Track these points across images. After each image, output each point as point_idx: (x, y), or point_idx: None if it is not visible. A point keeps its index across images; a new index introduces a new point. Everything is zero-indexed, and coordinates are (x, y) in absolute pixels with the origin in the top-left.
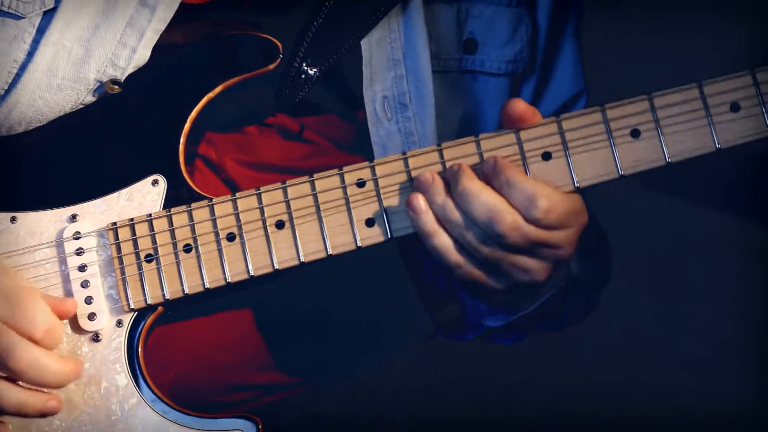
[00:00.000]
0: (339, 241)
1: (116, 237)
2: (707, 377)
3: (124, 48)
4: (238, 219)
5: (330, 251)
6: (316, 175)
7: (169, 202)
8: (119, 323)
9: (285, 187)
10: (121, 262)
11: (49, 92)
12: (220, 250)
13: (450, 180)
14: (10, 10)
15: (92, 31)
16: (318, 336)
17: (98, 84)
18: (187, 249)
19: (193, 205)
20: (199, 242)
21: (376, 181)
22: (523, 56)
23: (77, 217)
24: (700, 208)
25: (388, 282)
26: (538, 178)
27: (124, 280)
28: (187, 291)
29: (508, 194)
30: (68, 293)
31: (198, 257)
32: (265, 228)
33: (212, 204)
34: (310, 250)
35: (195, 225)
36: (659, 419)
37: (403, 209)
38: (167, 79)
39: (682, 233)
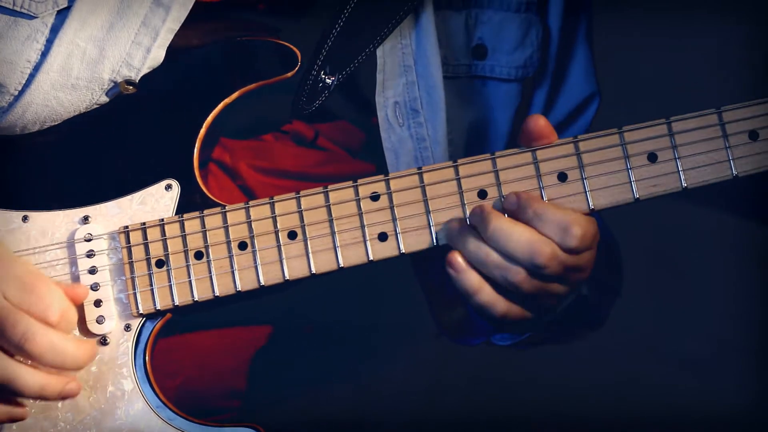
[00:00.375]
0: (351, 254)
1: (128, 241)
2: (707, 377)
3: (138, 48)
4: (250, 228)
5: (342, 264)
6: (330, 187)
7: (182, 207)
8: (127, 328)
9: (299, 197)
10: (131, 266)
11: (64, 92)
12: (231, 259)
13: (476, 224)
14: (23, 10)
15: (106, 30)
16: (321, 338)
17: (113, 84)
18: (199, 256)
19: (206, 211)
20: (210, 250)
21: (390, 195)
22: (533, 61)
23: (89, 219)
24: (700, 207)
25: (390, 285)
26: (559, 204)
27: (134, 285)
28: (197, 298)
29: (540, 226)
30: None
31: (209, 265)
32: (277, 238)
33: (225, 211)
34: (322, 262)
35: (207, 232)
36: (659, 419)
37: (416, 224)
38: (184, 83)
39: (683, 233)
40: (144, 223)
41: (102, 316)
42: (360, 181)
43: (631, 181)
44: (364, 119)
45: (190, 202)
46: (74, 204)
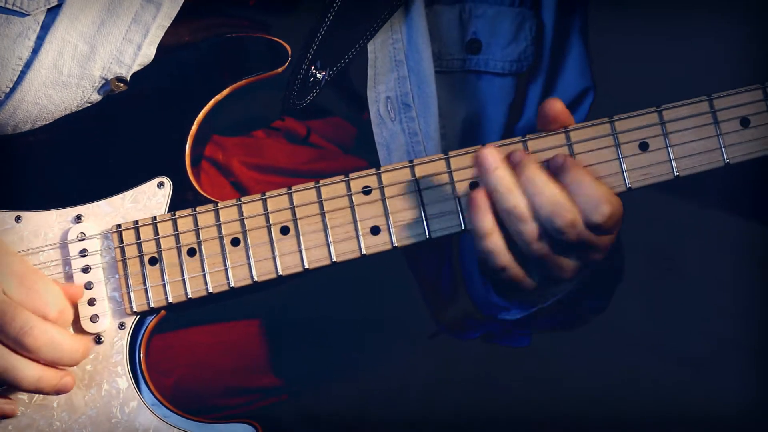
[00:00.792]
0: (344, 249)
1: (120, 239)
2: (707, 376)
3: (129, 45)
4: (243, 224)
5: (334, 258)
6: (322, 182)
7: (175, 204)
8: (122, 326)
9: (290, 192)
10: (124, 264)
11: (55, 90)
12: (224, 255)
13: (513, 165)
14: (15, 8)
15: (97, 27)
16: (319, 336)
17: (104, 81)
18: (191, 253)
19: (199, 208)
20: (203, 246)
21: (382, 189)
22: (527, 56)
23: (82, 218)
24: (700, 207)
25: (388, 282)
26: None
27: (127, 283)
28: (190, 295)
29: (574, 192)
30: None
31: (202, 261)
32: (269, 234)
33: (217, 208)
34: (315, 257)
35: (200, 229)
36: (659, 418)
37: (408, 217)
38: (174, 80)
39: (683, 232)
40: (137, 221)
41: (96, 315)
42: (352, 175)
43: (622, 170)
44: (355, 115)
45: (183, 199)
46: (67, 203)
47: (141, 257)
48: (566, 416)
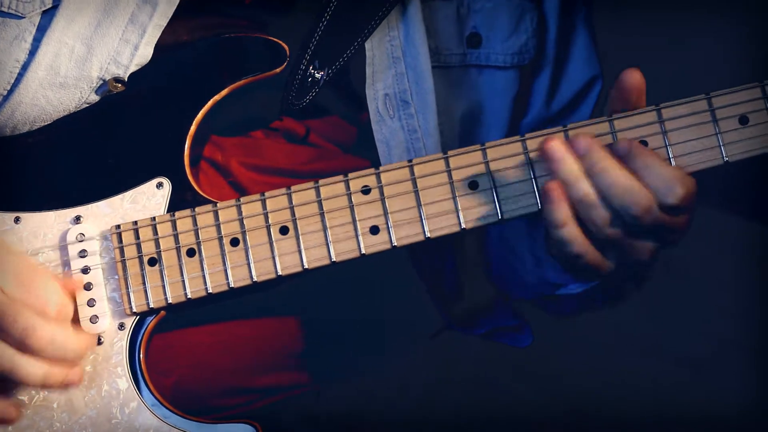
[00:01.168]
0: (343, 248)
1: (120, 240)
2: (707, 376)
3: (126, 45)
4: (242, 224)
5: (334, 258)
6: (321, 182)
7: (174, 205)
8: (121, 326)
9: (290, 193)
10: (124, 265)
11: (52, 91)
12: (223, 255)
13: (579, 152)
14: (10, 11)
15: (94, 28)
16: (320, 336)
17: (101, 82)
18: (191, 253)
19: (198, 209)
20: (202, 247)
21: (381, 188)
22: (528, 48)
23: (81, 219)
24: (700, 207)
25: (388, 282)
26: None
27: (126, 284)
28: (189, 295)
29: (646, 177)
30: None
31: (201, 262)
32: (269, 234)
33: (216, 209)
34: (314, 256)
35: (199, 229)
36: (659, 418)
37: (407, 217)
38: (173, 81)
39: None
40: (136, 222)
41: (96, 316)
42: (351, 175)
43: None
44: (354, 113)
45: (182, 199)
46: (66, 204)
47: (140, 258)
48: (566, 416)
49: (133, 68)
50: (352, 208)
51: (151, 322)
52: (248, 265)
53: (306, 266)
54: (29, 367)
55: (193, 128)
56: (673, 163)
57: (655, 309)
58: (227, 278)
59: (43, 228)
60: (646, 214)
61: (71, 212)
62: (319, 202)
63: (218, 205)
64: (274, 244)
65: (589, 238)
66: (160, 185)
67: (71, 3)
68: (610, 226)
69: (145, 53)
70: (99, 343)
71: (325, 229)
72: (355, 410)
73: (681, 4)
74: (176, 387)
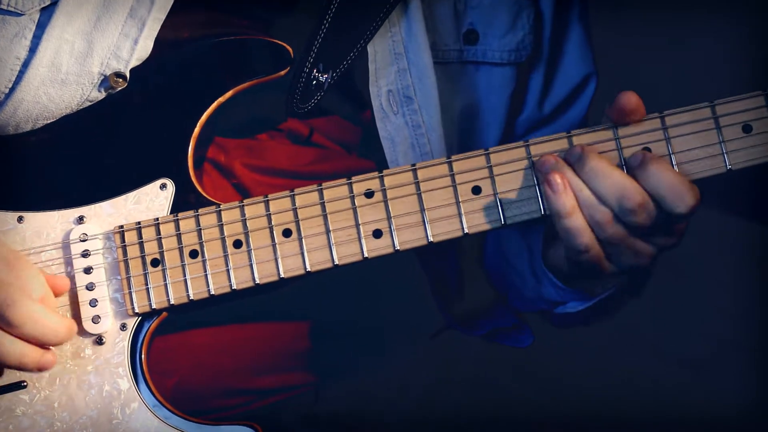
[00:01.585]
0: (346, 252)
1: (123, 240)
2: (707, 377)
3: (126, 39)
4: (245, 226)
5: (336, 261)
6: (324, 184)
7: (177, 206)
8: (123, 327)
9: (293, 195)
10: (126, 265)
11: (54, 88)
12: (226, 257)
13: (573, 161)
14: (9, 8)
15: (93, 24)
16: (321, 337)
17: (102, 77)
18: (194, 254)
19: (201, 210)
20: (205, 248)
21: (384, 191)
22: (525, 45)
23: (84, 219)
24: (700, 207)
25: (388, 283)
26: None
27: (129, 284)
28: (192, 297)
29: (657, 185)
30: (73, 295)
31: (204, 263)
32: (272, 236)
33: (220, 210)
34: (317, 259)
35: (202, 230)
36: (659, 419)
37: (410, 221)
38: (177, 82)
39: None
40: (139, 223)
41: (98, 316)
42: (354, 178)
43: None
44: (357, 113)
45: (185, 201)
46: (69, 204)
47: (143, 258)
48: (566, 416)
49: (133, 63)
50: (355, 211)
51: (153, 323)
52: (251, 266)
53: (308, 269)
54: (8, 344)
55: (197, 130)
56: (677, 170)
57: (655, 310)
58: (230, 280)
59: (47, 227)
60: (641, 209)
61: (74, 212)
62: (323, 205)
63: (221, 206)
64: (277, 246)
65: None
66: (163, 186)
67: None
68: (613, 225)
69: (145, 47)
70: (101, 343)
71: (328, 232)
72: (355, 410)
73: (681, 4)
74: (177, 388)
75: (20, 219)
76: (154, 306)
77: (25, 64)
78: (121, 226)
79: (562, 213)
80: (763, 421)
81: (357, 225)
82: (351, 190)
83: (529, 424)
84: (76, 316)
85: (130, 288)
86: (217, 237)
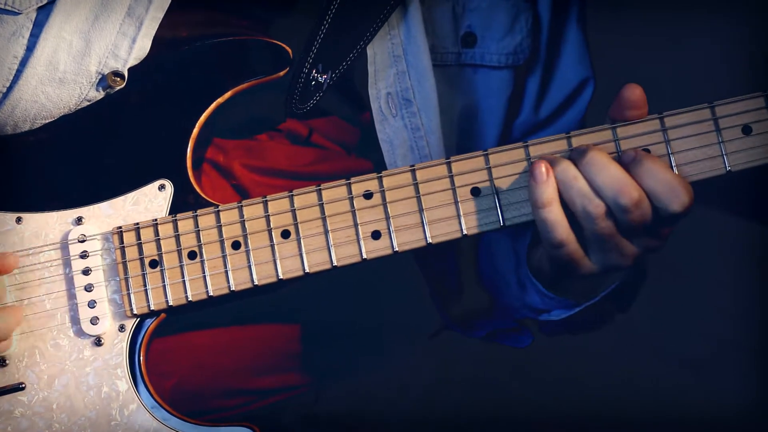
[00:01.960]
0: (344, 253)
1: (121, 241)
2: (707, 377)
3: (124, 38)
4: (243, 227)
5: (335, 263)
6: (323, 185)
7: (176, 207)
8: (122, 328)
9: (291, 196)
10: (125, 266)
11: (52, 86)
12: (224, 258)
13: (575, 156)
14: (7, 7)
15: (91, 22)
16: (320, 337)
17: (100, 76)
18: (192, 256)
19: (199, 211)
20: (204, 249)
21: (383, 193)
22: (523, 48)
23: (83, 220)
24: (700, 207)
25: (388, 283)
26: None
27: (127, 285)
28: (190, 298)
29: (651, 182)
30: (71, 296)
31: (202, 264)
32: (270, 237)
33: (218, 211)
34: (315, 261)
35: (200, 232)
36: (659, 419)
37: (409, 222)
38: (176, 83)
39: (682, 233)
40: (137, 224)
41: (96, 317)
42: (353, 179)
43: None
44: (356, 114)
45: (184, 202)
46: (68, 205)
47: (141, 260)
48: (566, 416)
49: (131, 62)
50: (354, 212)
51: (151, 324)
52: (249, 268)
53: (307, 270)
54: None
55: (195, 131)
56: (676, 172)
57: (655, 310)
58: (228, 281)
59: (45, 228)
60: (636, 207)
61: (73, 213)
62: (321, 206)
63: (220, 207)
64: (276, 247)
65: (580, 235)
66: (162, 187)
67: None
68: (604, 220)
69: (143, 46)
70: (99, 344)
71: (326, 233)
72: (355, 411)
73: (680, 4)
74: (176, 388)
75: (19, 220)
76: (152, 307)
77: (23, 63)
78: (120, 227)
79: (539, 203)
80: (763, 421)
81: (356, 226)
82: (350, 192)
83: (529, 424)
84: (75, 317)
85: (128, 289)
86: (216, 238)
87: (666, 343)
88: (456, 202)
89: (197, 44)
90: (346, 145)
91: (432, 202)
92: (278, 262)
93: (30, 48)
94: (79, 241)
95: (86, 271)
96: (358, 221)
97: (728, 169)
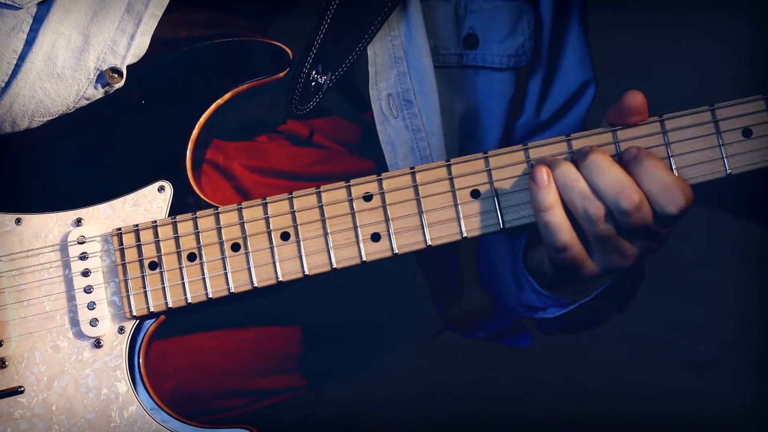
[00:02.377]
0: (344, 255)
1: (120, 243)
2: (707, 377)
3: (122, 35)
4: (243, 229)
5: (335, 265)
6: (322, 187)
7: (175, 209)
8: (121, 330)
9: (291, 198)
10: (124, 268)
11: (50, 82)
12: (224, 260)
13: (576, 158)
14: (7, 2)
15: (90, 18)
16: (320, 338)
17: (98, 73)
18: (192, 257)
19: (199, 213)
20: (203, 251)
21: (383, 195)
22: (525, 50)
23: (82, 221)
24: (700, 207)
25: (388, 283)
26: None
27: (127, 287)
28: (190, 300)
29: (649, 182)
30: (71, 298)
31: (202, 266)
32: (270, 239)
33: (218, 213)
34: (315, 263)
35: (200, 233)
36: (659, 419)
37: (408, 224)
38: (175, 84)
39: (682, 233)
40: (137, 225)
41: (95, 319)
42: (353, 181)
43: None
44: (358, 114)
45: (183, 203)
46: (67, 206)
47: (141, 261)
48: (566, 416)
49: (130, 59)
50: (353, 214)
51: (151, 325)
52: (249, 270)
53: (307, 272)
54: None
55: (195, 132)
56: (676, 174)
57: (655, 310)
58: (228, 283)
59: (44, 230)
60: (636, 211)
61: (72, 214)
62: (321, 208)
63: (219, 209)
64: (275, 249)
65: (580, 237)
66: (161, 189)
67: None
68: (604, 222)
69: (141, 43)
70: (99, 346)
71: (326, 235)
72: (355, 411)
73: (680, 5)
74: (176, 390)
75: (18, 221)
76: (152, 309)
77: (22, 58)
78: (119, 229)
79: (542, 206)
80: (763, 421)
81: (355, 228)
82: (349, 194)
83: (528, 424)
84: (75, 318)
85: (128, 291)
86: (215, 240)
87: (666, 344)
88: (456, 205)
89: (197, 45)
90: (347, 145)
91: (432, 205)
92: (278, 264)
93: (29, 43)
94: (79, 243)
95: (85, 273)
96: (358, 223)
97: (728, 171)
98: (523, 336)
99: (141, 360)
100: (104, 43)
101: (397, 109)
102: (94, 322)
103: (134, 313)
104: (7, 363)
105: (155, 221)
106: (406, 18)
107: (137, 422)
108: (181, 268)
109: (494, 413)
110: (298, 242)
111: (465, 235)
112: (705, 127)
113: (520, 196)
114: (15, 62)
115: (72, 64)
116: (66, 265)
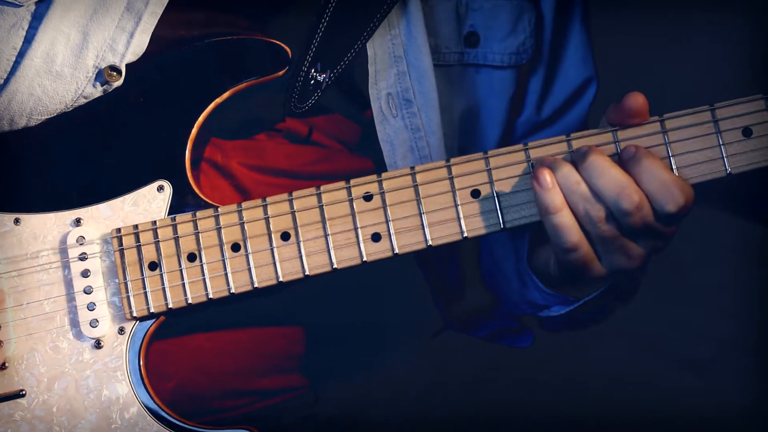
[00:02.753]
0: (344, 255)
1: (120, 243)
2: (707, 377)
3: (122, 33)
4: (243, 229)
5: (335, 265)
6: (322, 188)
7: (175, 208)
8: (121, 331)
9: (291, 198)
10: (124, 269)
11: (48, 80)
12: (224, 261)
13: (576, 159)
14: None
15: (90, 16)
16: (321, 338)
17: (97, 71)
18: (191, 258)
19: (198, 213)
20: (203, 252)
21: (383, 195)
22: (526, 48)
23: (81, 221)
24: (700, 207)
25: (388, 283)
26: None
27: (127, 288)
28: (190, 300)
29: (648, 181)
30: (71, 299)
31: (202, 267)
32: (270, 239)
33: (218, 214)
34: (315, 263)
35: (200, 234)
36: (659, 419)
37: (409, 224)
38: (174, 83)
39: (682, 233)
40: (136, 226)
41: (95, 320)
42: (353, 181)
43: None
44: (357, 112)
45: (183, 202)
46: (66, 206)
47: (141, 262)
48: (566, 416)
49: (129, 57)
50: (353, 214)
51: (151, 326)
52: (249, 270)
53: (307, 273)
54: None
55: (194, 131)
56: (676, 174)
57: (655, 310)
58: (228, 284)
59: (43, 230)
60: (637, 211)
61: (71, 214)
62: (321, 208)
63: (219, 209)
64: (275, 250)
65: (589, 238)
66: (161, 188)
67: None
68: (606, 223)
69: (141, 42)
70: (99, 347)
71: (326, 235)
72: (355, 411)
73: (681, 5)
74: (176, 390)
75: (17, 221)
76: (152, 310)
77: (21, 55)
78: (119, 230)
79: (550, 209)
80: (763, 421)
81: (356, 228)
82: (349, 194)
83: (528, 424)
84: (74, 320)
85: (127, 292)
86: (215, 241)
87: (666, 343)
88: (456, 205)
89: (196, 44)
90: (347, 144)
91: (432, 205)
92: (278, 264)
93: (28, 40)
94: (78, 243)
95: (85, 274)
96: (358, 224)
97: (728, 171)
98: (524, 336)
99: (141, 361)
100: (103, 41)
101: (396, 108)
102: (94, 323)
103: (134, 314)
104: (7, 365)
105: (155, 222)
106: (407, 16)
107: (138, 423)
108: (181, 269)
109: (494, 413)
110: (298, 242)
111: (465, 235)
112: (705, 126)
113: (521, 195)
114: (14, 59)
115: (71, 62)
116: (66, 266)
